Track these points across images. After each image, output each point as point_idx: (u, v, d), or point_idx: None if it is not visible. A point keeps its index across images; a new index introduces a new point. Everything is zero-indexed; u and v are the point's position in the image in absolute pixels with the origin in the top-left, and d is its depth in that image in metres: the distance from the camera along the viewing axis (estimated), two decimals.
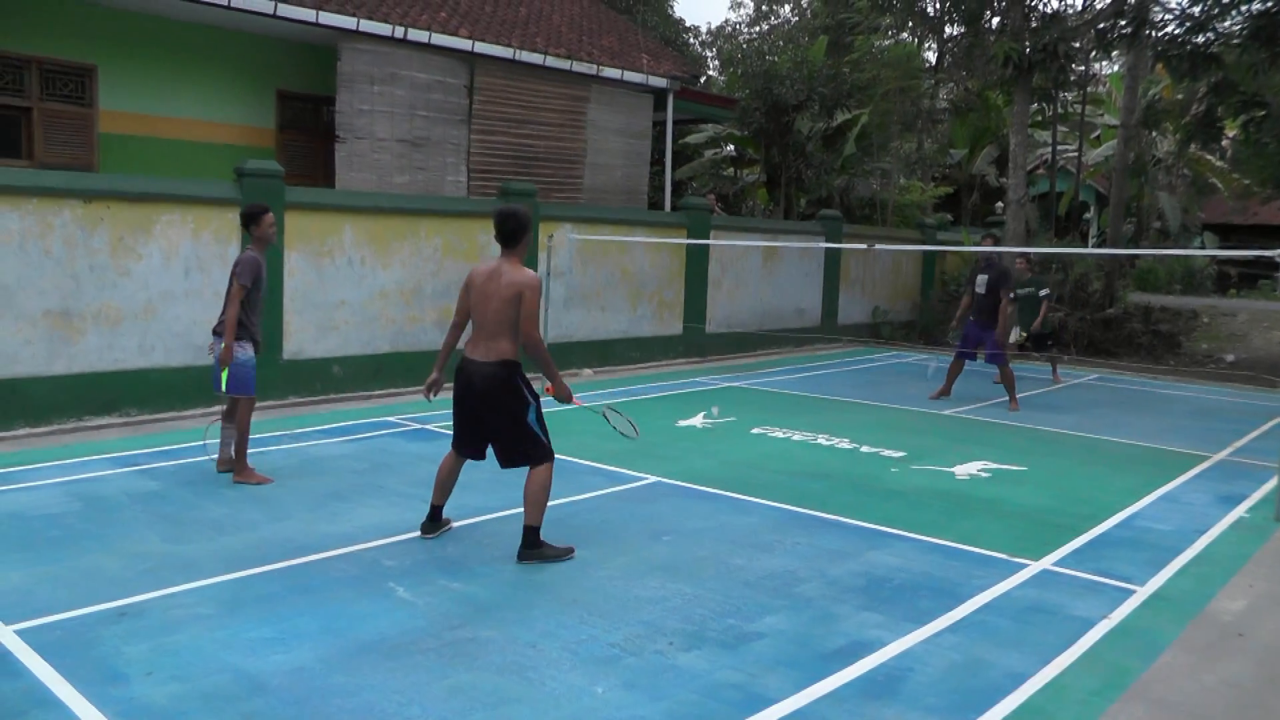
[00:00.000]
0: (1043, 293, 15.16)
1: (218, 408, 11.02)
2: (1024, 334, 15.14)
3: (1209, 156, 30.68)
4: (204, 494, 7.76)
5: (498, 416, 6.39)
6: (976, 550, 7.11)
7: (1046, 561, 6.93)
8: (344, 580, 5.94)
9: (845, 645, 5.33)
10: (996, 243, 13.95)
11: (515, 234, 6.51)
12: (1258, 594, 6.52)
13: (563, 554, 6.47)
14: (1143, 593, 6.39)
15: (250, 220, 8.20)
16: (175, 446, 9.17)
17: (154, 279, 10.55)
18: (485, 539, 6.86)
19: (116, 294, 10.29)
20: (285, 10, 13.38)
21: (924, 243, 21.95)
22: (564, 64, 16.63)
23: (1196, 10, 18.10)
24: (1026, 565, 6.81)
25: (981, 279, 13.22)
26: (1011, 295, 13.56)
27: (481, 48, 15.47)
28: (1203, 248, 34.23)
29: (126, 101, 13.99)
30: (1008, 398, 13.42)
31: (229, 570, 6.04)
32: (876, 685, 4.89)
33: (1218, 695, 5.01)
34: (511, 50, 15.87)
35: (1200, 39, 18.02)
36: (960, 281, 22.58)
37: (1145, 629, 5.78)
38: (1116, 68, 31.67)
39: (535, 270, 7.49)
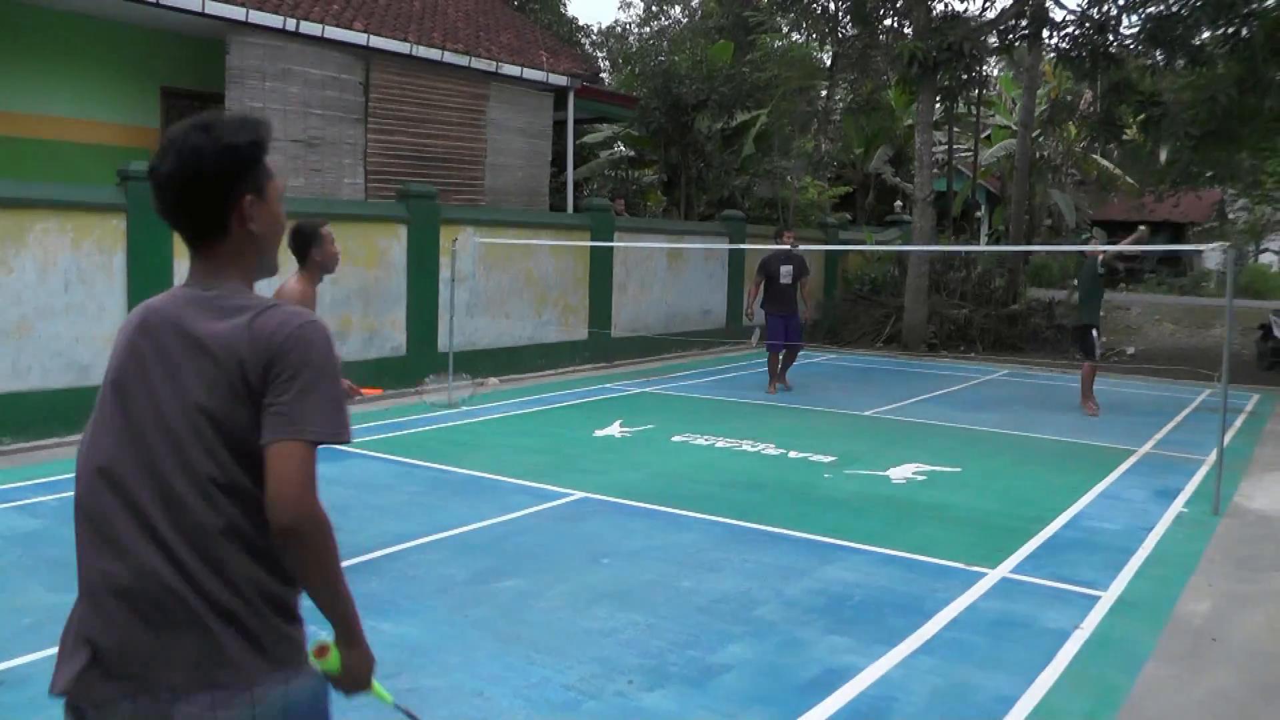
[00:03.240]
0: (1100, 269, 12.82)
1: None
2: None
3: (1097, 157, 31.31)
4: None
5: None
6: (931, 560, 6.79)
7: (1004, 569, 6.66)
8: None
9: (819, 674, 4.91)
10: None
11: (299, 250, 5.92)
12: (1218, 594, 6.37)
13: None
14: (1107, 598, 6.17)
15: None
16: (57, 478, 8.31)
17: (28, 293, 9.68)
18: (410, 571, 6.29)
19: None
20: None
21: (826, 242, 21.83)
22: (462, 60, 16.03)
23: (1095, 12, 18.26)
24: (985, 574, 6.53)
25: (786, 269, 13.85)
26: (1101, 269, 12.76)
27: (377, 42, 14.78)
28: (1089, 241, 34.97)
29: None
30: (782, 378, 14.18)
31: None
32: (861, 718, 4.48)
33: (1211, 710, 4.79)
34: (408, 45, 15.22)
35: (1100, 39, 18.18)
36: (863, 281, 22.58)
37: (1120, 638, 5.54)
38: (1007, 71, 32.14)
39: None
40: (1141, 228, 13.14)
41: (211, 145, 2.12)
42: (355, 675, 2.20)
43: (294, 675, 2.09)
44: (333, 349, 2.15)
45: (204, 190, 2.14)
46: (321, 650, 2.14)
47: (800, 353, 14.75)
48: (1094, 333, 12.90)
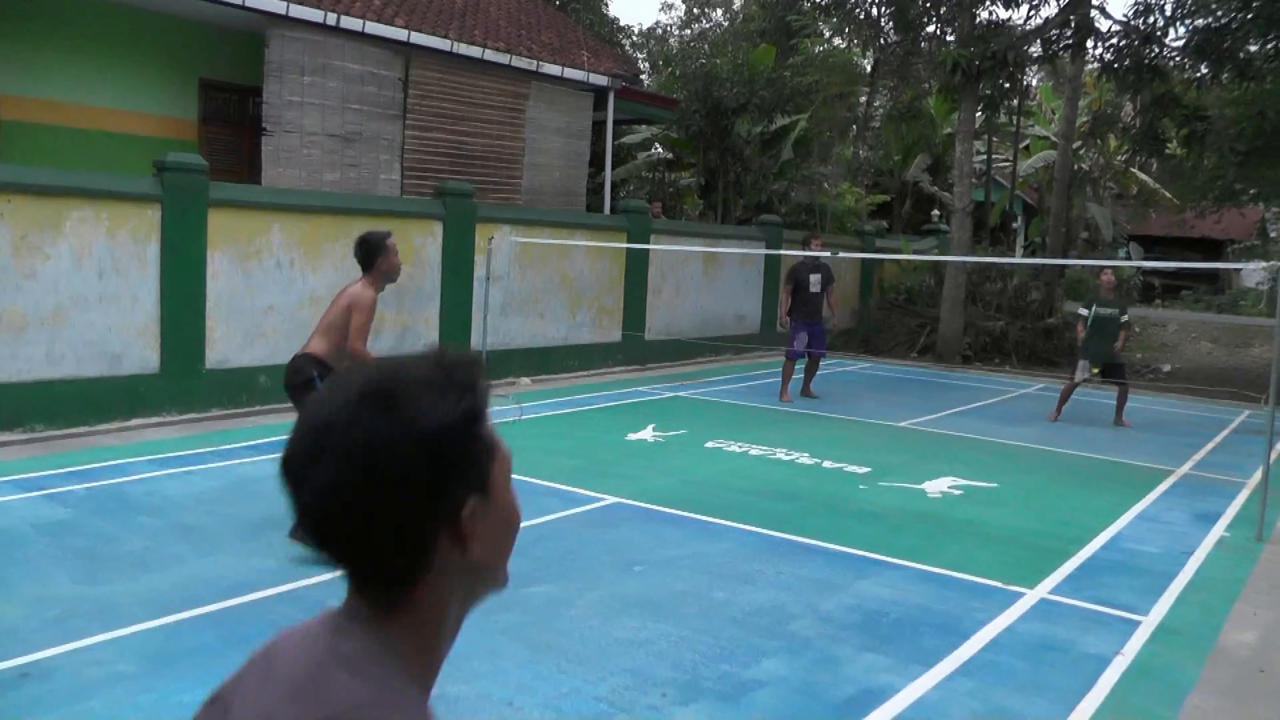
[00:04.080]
0: (1124, 317, 13.16)
1: (136, 420, 10.27)
2: (1095, 369, 13.09)
3: (1135, 171, 30.93)
4: (122, 523, 6.93)
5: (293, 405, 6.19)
6: (968, 578, 6.66)
7: (1043, 590, 6.52)
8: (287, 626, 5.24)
9: (855, 694, 4.80)
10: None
11: (365, 259, 6.50)
12: (1264, 624, 6.20)
13: None
14: (1148, 624, 6.02)
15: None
16: (88, 467, 8.27)
17: (64, 281, 9.67)
18: None
19: (21, 297, 9.38)
20: None
21: (863, 250, 21.64)
22: (503, 58, 15.98)
23: (1141, 23, 18.03)
24: (1023, 594, 6.39)
25: (815, 278, 13.81)
26: (1084, 314, 13.26)
27: (417, 38, 14.75)
28: (1128, 258, 34.57)
29: (32, 86, 13.06)
30: (806, 389, 14.18)
31: (153, 616, 5.26)
32: None
33: None
34: (449, 42, 15.18)
35: (1145, 51, 17.94)
36: (899, 289, 22.39)
37: (1162, 667, 5.39)
38: (1047, 81, 31.82)
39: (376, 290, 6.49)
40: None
41: (404, 436, 1.19)
42: None
43: None
44: None
45: (391, 514, 1.20)
46: None
47: (832, 361, 14.60)
48: (1084, 362, 13.05)
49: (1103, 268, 13.69)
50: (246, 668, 1.37)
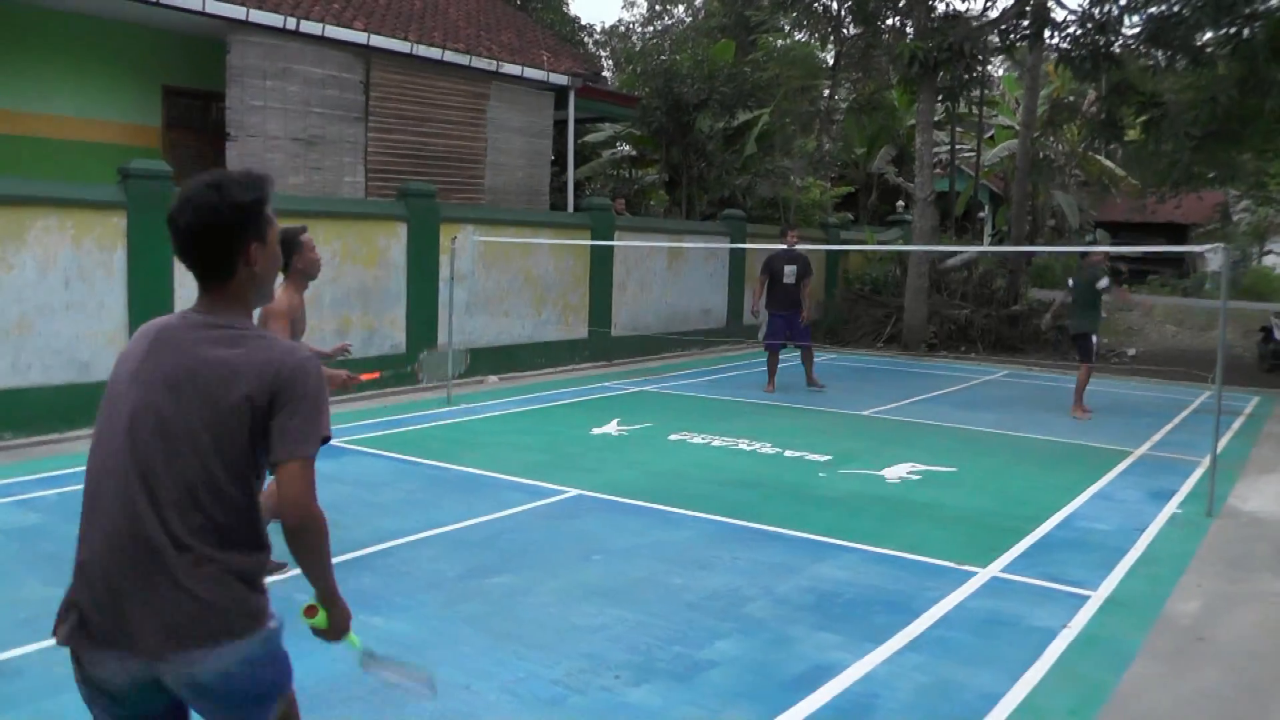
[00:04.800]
0: (1102, 283, 12.66)
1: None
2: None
3: (1099, 157, 31.26)
4: None
5: None
6: (922, 559, 6.81)
7: (995, 568, 6.68)
8: None
9: (805, 671, 4.94)
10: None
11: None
12: (1208, 594, 6.38)
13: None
14: (1097, 597, 6.19)
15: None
16: (57, 473, 8.34)
17: (28, 291, 9.71)
18: (403, 567, 6.32)
19: None
20: None
21: (828, 242, 21.83)
22: (463, 59, 16.06)
23: (1096, 12, 18.25)
24: (975, 573, 6.55)
25: (790, 269, 13.94)
26: (1069, 289, 13.08)
27: (377, 41, 14.82)
28: (1094, 244, 34.93)
29: None
30: (810, 381, 14.23)
31: None
32: (845, 714, 4.52)
33: (1196, 707, 4.81)
34: (408, 44, 15.25)
35: (1102, 39, 18.16)
36: (864, 280, 22.58)
37: (1108, 637, 5.55)
38: (1011, 71, 32.09)
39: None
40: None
41: (222, 202, 2.50)
42: (337, 627, 2.71)
43: (251, 638, 2.48)
44: (322, 378, 2.58)
45: (216, 240, 2.53)
46: (311, 610, 2.66)
47: (797, 352, 14.73)
48: (1093, 339, 12.85)
49: (1085, 253, 13.53)
50: (139, 349, 2.59)
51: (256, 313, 2.89)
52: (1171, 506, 8.49)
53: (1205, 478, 8.82)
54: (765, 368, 14.26)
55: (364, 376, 6.22)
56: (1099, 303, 12.79)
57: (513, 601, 5.74)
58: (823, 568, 6.55)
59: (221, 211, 2.50)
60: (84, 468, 2.59)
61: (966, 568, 6.64)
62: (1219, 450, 8.71)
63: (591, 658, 4.99)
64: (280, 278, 5.85)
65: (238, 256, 2.55)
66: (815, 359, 14.74)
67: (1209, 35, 17.38)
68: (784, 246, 14.08)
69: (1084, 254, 13.33)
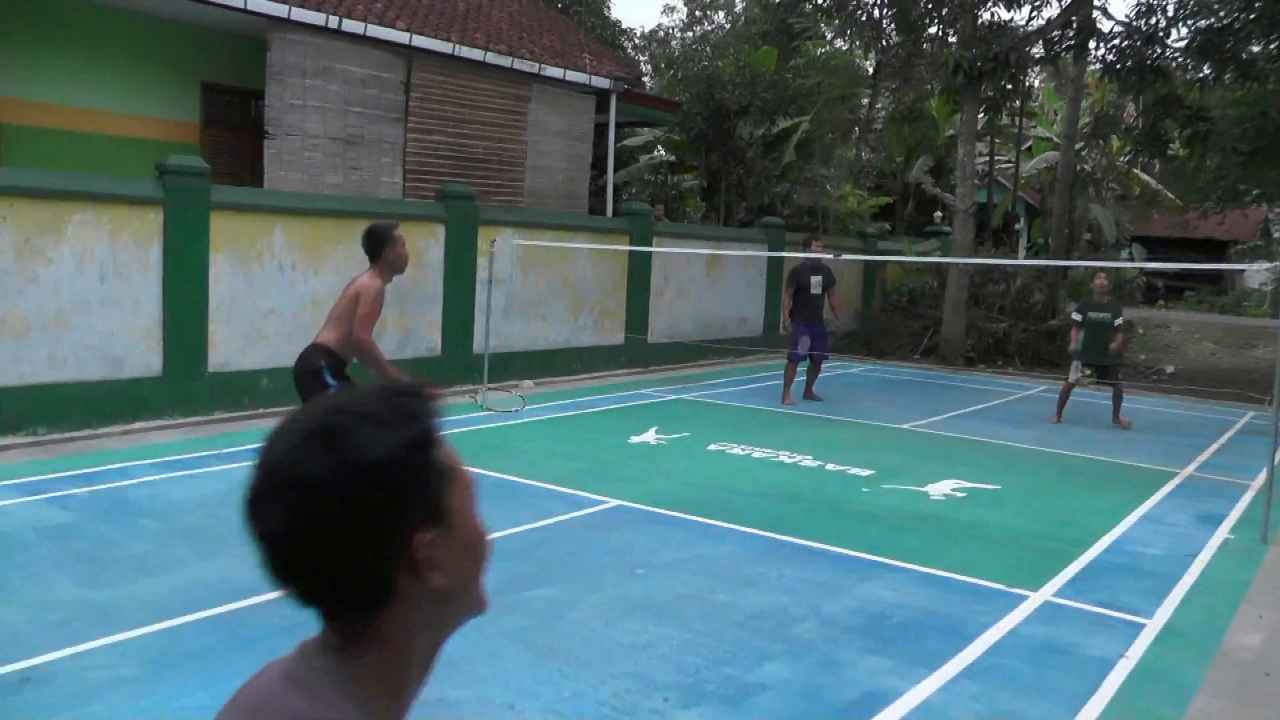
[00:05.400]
0: (1118, 320, 13.02)
1: (138, 423, 10.26)
2: (1087, 371, 13.24)
3: (1138, 171, 30.91)
4: (123, 526, 6.93)
5: (299, 397, 6.19)
6: (971, 580, 6.64)
7: (1046, 592, 6.50)
8: (288, 629, 5.20)
9: (858, 697, 4.78)
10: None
11: (371, 250, 6.56)
12: (1269, 626, 6.19)
13: None
14: (1153, 626, 6.00)
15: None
16: (90, 470, 8.27)
17: (66, 285, 9.67)
18: None
19: (23, 301, 9.38)
20: None
21: (865, 252, 21.62)
22: (505, 61, 15.97)
23: (1143, 24, 18.01)
24: (1026, 596, 6.37)
25: (815, 280, 13.81)
26: (1078, 319, 13.40)
27: (419, 41, 14.74)
28: (1131, 259, 34.55)
29: (32, 90, 13.04)
30: (809, 394, 14.16)
31: (155, 620, 5.25)
32: None
33: None
34: (450, 45, 15.17)
35: (1148, 51, 17.91)
36: (901, 291, 22.36)
37: (1167, 669, 5.37)
38: (1047, 82, 31.80)
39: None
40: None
41: (348, 475, 1.18)
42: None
43: None
44: None
45: (343, 550, 1.20)
46: None
47: (835, 363, 14.58)
48: (1076, 363, 13.07)
49: (1097, 271, 13.69)
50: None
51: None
52: (1223, 531, 8.28)
53: (1256, 502, 8.61)
54: (799, 378, 14.09)
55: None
56: (1109, 337, 12.98)
57: (554, 615, 5.61)
58: (870, 587, 6.38)
59: (348, 497, 1.18)
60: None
61: (1017, 591, 6.47)
62: (1269, 475, 8.49)
63: (639, 678, 4.85)
64: (368, 264, 6.62)
65: (395, 568, 1.22)
66: (843, 369, 14.56)
67: (1258, 48, 17.11)
68: (810, 255, 13.91)
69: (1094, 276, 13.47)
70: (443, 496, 1.25)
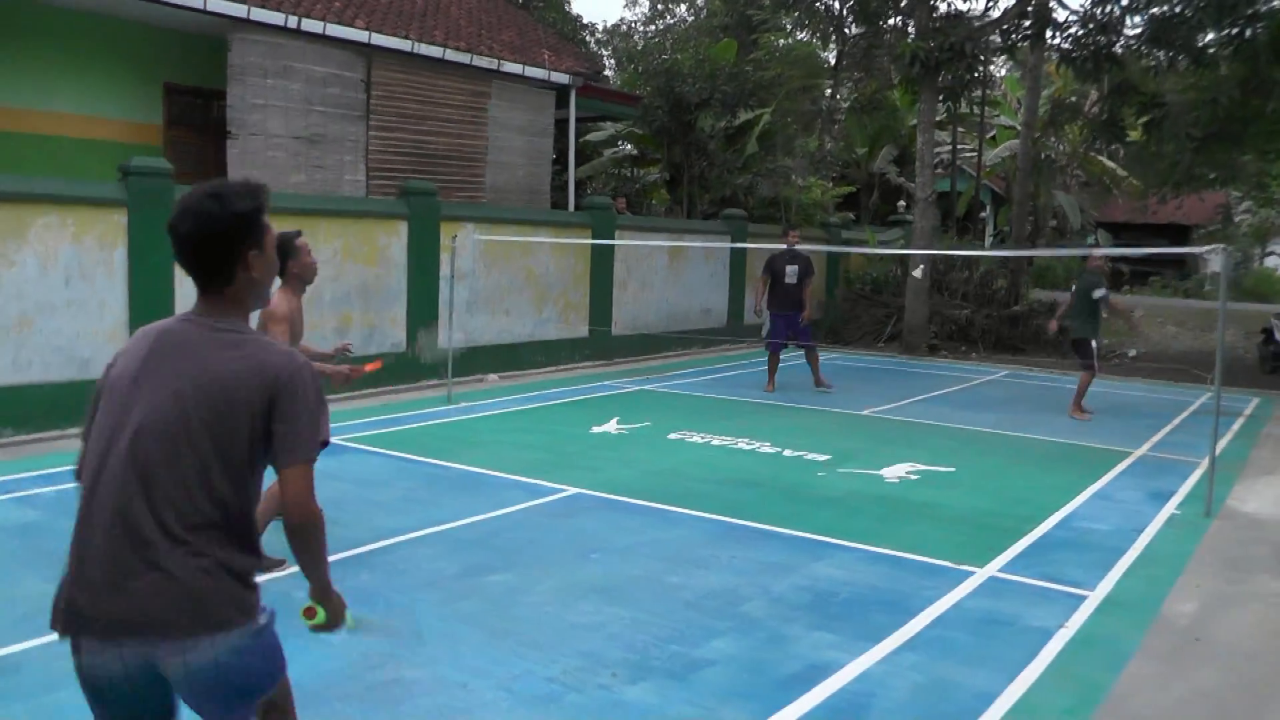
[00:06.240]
0: (1098, 293, 12.43)
1: None
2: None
3: (1101, 158, 31.25)
4: None
5: None
6: (920, 559, 6.82)
7: (992, 568, 6.68)
8: None
9: (801, 670, 4.95)
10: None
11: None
12: (1206, 595, 6.38)
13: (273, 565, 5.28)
14: (1094, 598, 6.19)
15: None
16: (56, 470, 8.37)
17: (29, 288, 9.72)
18: (401, 564, 6.33)
19: None
20: None
21: (829, 242, 21.83)
22: (464, 58, 16.07)
23: (1098, 13, 18.23)
24: (973, 573, 6.55)
25: (791, 269, 13.96)
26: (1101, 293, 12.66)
27: (378, 39, 14.83)
28: (1096, 245, 34.91)
29: None
30: (818, 382, 14.16)
31: None
32: (840, 713, 4.53)
33: (1192, 707, 4.82)
34: (409, 43, 15.26)
35: (1103, 40, 18.14)
36: (865, 280, 22.57)
37: (1105, 637, 5.56)
38: (1013, 72, 32.07)
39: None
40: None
41: (222, 211, 2.60)
42: (335, 619, 2.84)
43: (242, 629, 2.56)
44: (319, 384, 2.68)
45: (215, 248, 2.62)
46: (310, 612, 2.79)
47: (799, 352, 14.72)
48: (1093, 344, 12.77)
49: (1085, 255, 13.50)
50: (139, 350, 2.65)
51: (254, 316, 2.92)
52: (1170, 507, 8.49)
53: (1204, 479, 8.82)
54: (765, 367, 14.26)
55: (367, 368, 6.26)
56: (1098, 310, 12.73)
57: (511, 600, 5.75)
58: (820, 567, 6.55)
59: (221, 220, 2.60)
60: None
61: (964, 567, 6.64)
62: (1218, 452, 8.72)
63: (588, 656, 5.00)
64: (277, 282, 5.87)
65: (237, 263, 2.65)
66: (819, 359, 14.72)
67: (1211, 36, 17.35)
68: (785, 247, 14.08)
69: (1084, 257, 13.30)
70: (263, 235, 2.68)
